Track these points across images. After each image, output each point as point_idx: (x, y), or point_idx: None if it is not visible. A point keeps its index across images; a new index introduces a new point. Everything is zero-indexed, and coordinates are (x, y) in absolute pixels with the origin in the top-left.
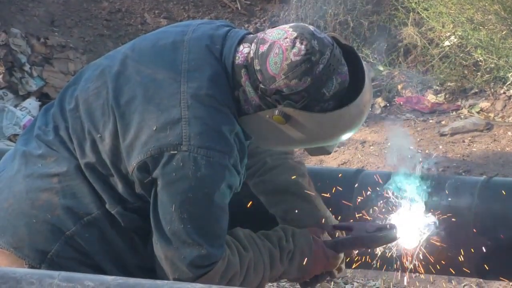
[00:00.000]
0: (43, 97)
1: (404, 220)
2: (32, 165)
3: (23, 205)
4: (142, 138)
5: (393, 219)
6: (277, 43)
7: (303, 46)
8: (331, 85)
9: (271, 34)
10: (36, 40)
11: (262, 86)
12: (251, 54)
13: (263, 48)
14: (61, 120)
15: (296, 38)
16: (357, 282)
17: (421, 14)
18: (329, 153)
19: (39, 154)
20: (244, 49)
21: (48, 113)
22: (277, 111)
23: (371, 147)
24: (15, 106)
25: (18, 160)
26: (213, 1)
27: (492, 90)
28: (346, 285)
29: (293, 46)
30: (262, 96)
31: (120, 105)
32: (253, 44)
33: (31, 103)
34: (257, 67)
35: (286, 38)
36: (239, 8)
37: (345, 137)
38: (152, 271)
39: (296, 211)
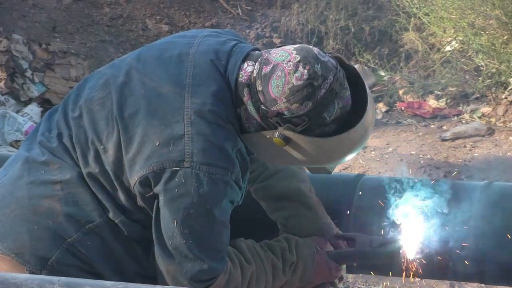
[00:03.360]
0: (45, 103)
1: (405, 228)
2: (35, 171)
3: (25, 211)
4: (144, 153)
5: (394, 227)
6: (280, 65)
7: (305, 71)
8: (333, 109)
9: (275, 55)
10: (38, 46)
11: (264, 108)
12: (254, 74)
13: (266, 69)
14: (64, 127)
15: (299, 62)
16: (358, 287)
17: (422, 19)
18: (329, 173)
19: (42, 161)
20: (248, 67)
21: (51, 119)
22: (277, 133)
23: (372, 152)
24: (17, 112)
25: (21, 166)
26: (214, 6)
27: (493, 95)
28: None
29: (296, 70)
30: (263, 116)
31: (123, 117)
32: (257, 64)
33: (33, 109)
34: (259, 88)
35: (289, 61)
36: (240, 14)
37: (345, 160)
38: (152, 279)
39: (297, 218)
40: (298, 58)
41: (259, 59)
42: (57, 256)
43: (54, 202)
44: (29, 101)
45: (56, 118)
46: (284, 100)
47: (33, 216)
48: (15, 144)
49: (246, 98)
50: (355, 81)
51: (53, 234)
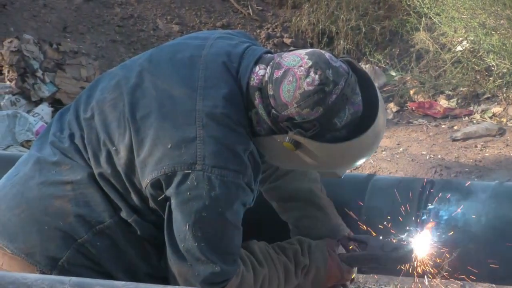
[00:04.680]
0: (56, 103)
1: (416, 230)
2: (46, 171)
3: (35, 212)
4: (156, 155)
5: (406, 229)
6: (292, 70)
7: (317, 76)
8: (343, 115)
9: (287, 59)
10: (49, 46)
11: (274, 112)
12: (266, 78)
13: (278, 74)
14: (76, 128)
15: (310, 67)
16: (369, 287)
17: (433, 19)
18: (339, 177)
19: (53, 161)
20: (259, 70)
21: (63, 119)
22: (287, 137)
23: (383, 152)
24: (28, 112)
25: (32, 166)
26: (225, 7)
27: (504, 95)
28: None
29: (307, 75)
30: (274, 121)
31: (135, 119)
32: (268, 67)
33: (44, 109)
34: (271, 92)
35: (300, 66)
36: (251, 14)
37: (355, 165)
38: (163, 280)
39: (308, 218)
40: (310, 63)
41: (270, 63)
42: (67, 256)
43: (64, 202)
44: (40, 101)
45: (68, 118)
46: (295, 105)
47: (43, 216)
48: (26, 144)
49: (257, 101)
50: (366, 85)
51: (64, 235)
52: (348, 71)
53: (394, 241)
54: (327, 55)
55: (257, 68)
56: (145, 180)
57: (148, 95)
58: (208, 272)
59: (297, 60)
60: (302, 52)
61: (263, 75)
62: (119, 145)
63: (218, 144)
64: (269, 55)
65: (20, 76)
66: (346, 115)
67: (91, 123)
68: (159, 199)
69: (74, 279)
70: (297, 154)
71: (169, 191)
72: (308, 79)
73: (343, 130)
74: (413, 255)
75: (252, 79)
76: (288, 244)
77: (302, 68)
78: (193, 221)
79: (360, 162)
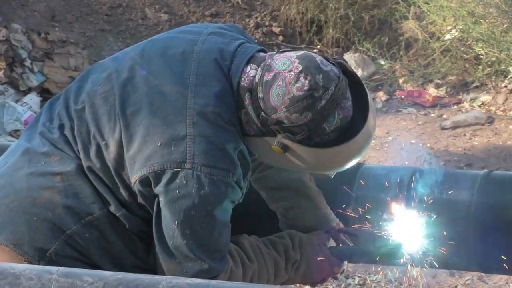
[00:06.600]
0: (44, 93)
1: (404, 220)
2: (35, 162)
3: (24, 202)
4: (145, 152)
5: (394, 219)
6: (282, 74)
7: (306, 82)
8: (333, 120)
9: (278, 62)
10: (37, 35)
11: (264, 115)
12: (256, 79)
13: (268, 77)
14: (66, 119)
15: (300, 72)
16: (359, 277)
17: (422, 8)
18: (329, 178)
19: (43, 152)
20: (250, 71)
21: (52, 109)
22: (276, 141)
23: (372, 141)
24: (16, 101)
25: (21, 157)
26: None
27: (493, 83)
28: (348, 280)
29: (297, 80)
30: (264, 123)
31: (126, 114)
32: (259, 69)
33: (32, 99)
34: (260, 95)
35: (291, 70)
36: (240, 3)
37: (344, 168)
38: (150, 272)
39: (297, 208)
40: (300, 68)
41: (261, 64)
42: (55, 247)
43: (53, 193)
44: (28, 90)
45: (58, 108)
46: (284, 110)
47: (32, 207)
48: (15, 133)
49: (247, 102)
50: (357, 89)
51: (52, 226)
52: (339, 75)
53: (384, 234)
54: (318, 58)
55: (248, 68)
56: (134, 176)
57: (139, 91)
58: (197, 269)
59: (288, 63)
60: (293, 55)
61: (254, 76)
62: (109, 140)
63: (208, 142)
64: (261, 54)
65: (8, 65)
66: (335, 120)
67: (81, 115)
68: (147, 196)
69: (62, 269)
70: (286, 156)
71: (158, 189)
72: (297, 84)
73: (332, 134)
74: (403, 250)
75: (243, 79)
76: (279, 238)
77: (292, 73)
78: (181, 219)
79: (350, 165)
